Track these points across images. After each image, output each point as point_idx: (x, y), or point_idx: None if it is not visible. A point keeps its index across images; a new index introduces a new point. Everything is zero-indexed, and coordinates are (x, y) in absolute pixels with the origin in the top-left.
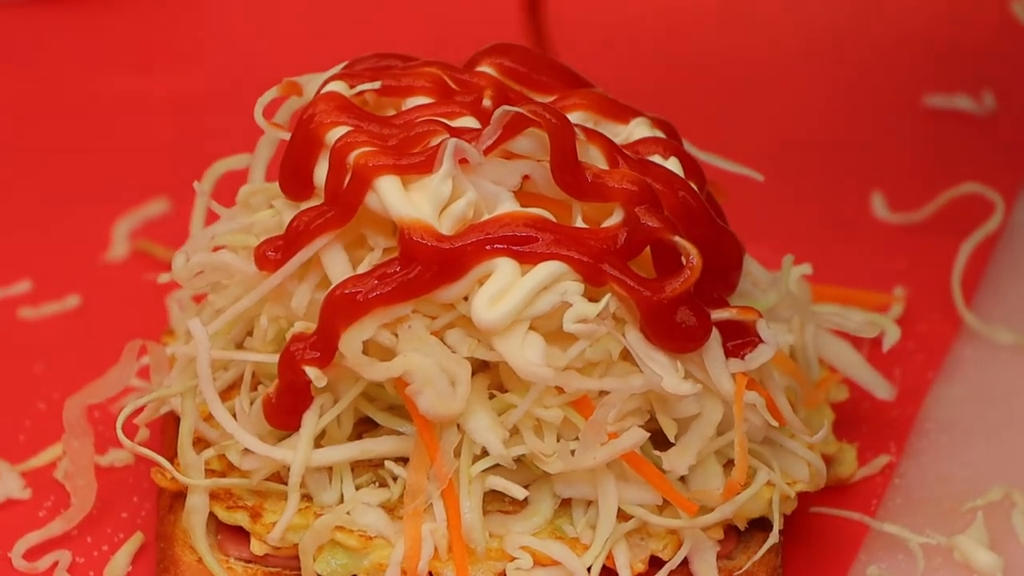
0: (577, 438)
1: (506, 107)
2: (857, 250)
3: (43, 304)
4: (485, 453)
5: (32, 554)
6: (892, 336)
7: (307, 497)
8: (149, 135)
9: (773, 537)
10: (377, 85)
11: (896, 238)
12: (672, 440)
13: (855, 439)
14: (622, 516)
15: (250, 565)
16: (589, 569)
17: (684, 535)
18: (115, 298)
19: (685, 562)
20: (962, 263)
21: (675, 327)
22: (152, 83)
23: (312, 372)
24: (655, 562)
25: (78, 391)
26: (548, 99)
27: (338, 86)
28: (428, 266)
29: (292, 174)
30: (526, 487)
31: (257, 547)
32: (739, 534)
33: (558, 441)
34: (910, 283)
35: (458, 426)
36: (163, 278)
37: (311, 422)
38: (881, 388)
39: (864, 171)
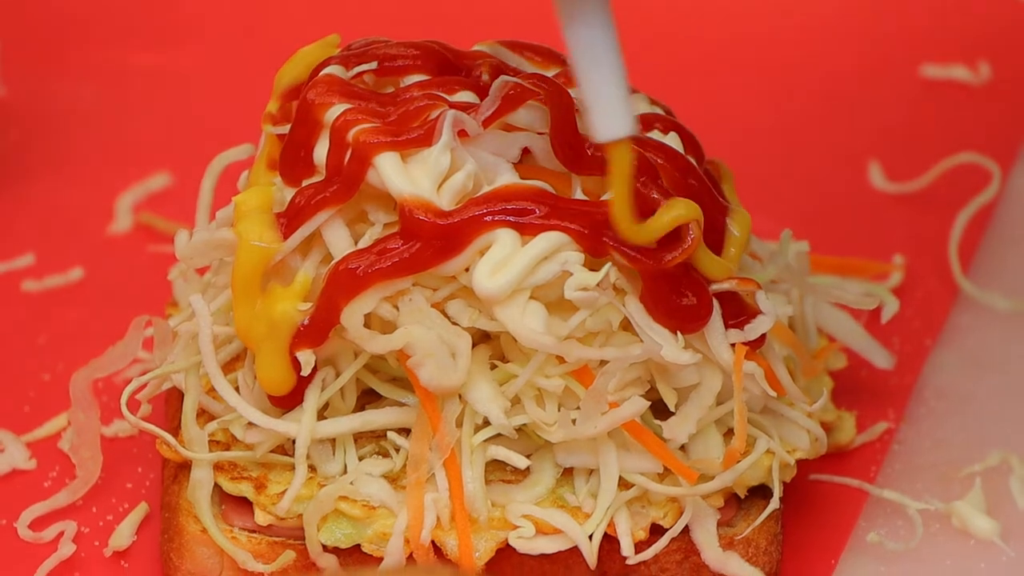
0: (578, 407)
1: (505, 77)
2: (855, 219)
3: (46, 276)
4: (487, 423)
5: (38, 524)
6: (891, 308)
7: (311, 468)
8: (151, 110)
9: (773, 504)
10: (374, 65)
11: (894, 207)
12: (672, 409)
13: (854, 407)
14: (623, 484)
15: (254, 535)
16: (591, 537)
17: (685, 503)
18: (118, 270)
19: (686, 530)
20: (959, 231)
21: (677, 302)
22: (155, 58)
23: (303, 356)
24: (656, 530)
25: (84, 365)
26: (547, 73)
27: (335, 69)
28: (429, 242)
29: (292, 154)
30: (528, 456)
31: (261, 517)
32: (739, 502)
33: (559, 410)
34: (908, 251)
35: (460, 396)
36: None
37: (314, 396)
38: (880, 357)
39: (862, 141)
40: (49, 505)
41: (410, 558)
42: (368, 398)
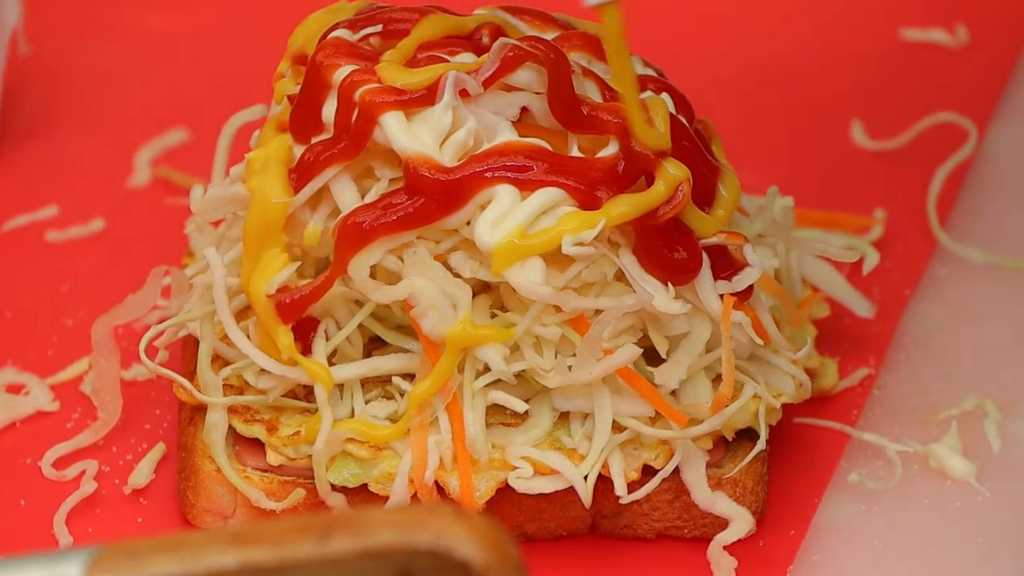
0: (574, 354)
1: (504, 39)
2: (838, 175)
3: (69, 227)
4: (488, 369)
5: (61, 463)
6: (871, 260)
7: (318, 411)
8: (169, 69)
9: (760, 446)
10: (379, 28)
11: (874, 164)
12: (664, 357)
13: (836, 354)
14: (616, 428)
15: (266, 474)
16: (586, 478)
17: (675, 445)
18: (137, 222)
19: (677, 471)
20: (937, 187)
21: (668, 255)
22: (173, 18)
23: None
24: (648, 471)
25: (106, 312)
26: (545, 36)
27: (342, 32)
28: (432, 197)
29: (302, 114)
30: (526, 401)
31: (273, 457)
32: (727, 444)
33: (556, 357)
34: (888, 206)
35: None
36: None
37: (320, 345)
38: (861, 306)
39: (844, 101)
40: (72, 445)
41: (414, 497)
42: (374, 345)
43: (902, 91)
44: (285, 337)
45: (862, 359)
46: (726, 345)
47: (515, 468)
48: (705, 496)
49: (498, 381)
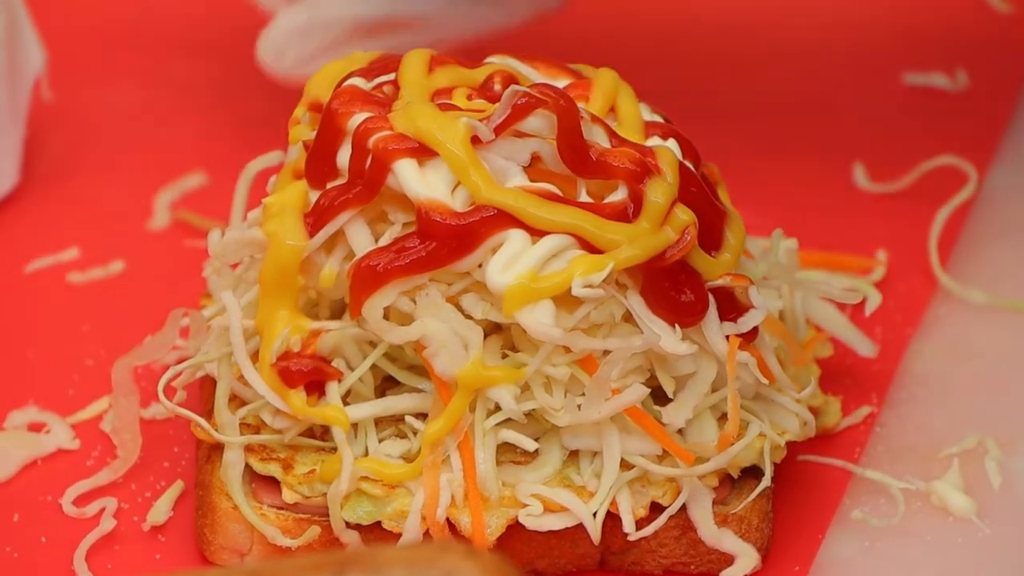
0: (583, 394)
1: (515, 87)
2: (840, 217)
3: (90, 269)
4: (499, 408)
5: (81, 500)
6: (874, 301)
7: (333, 449)
8: (187, 114)
9: (764, 483)
10: (392, 76)
11: (877, 205)
12: (671, 396)
13: (839, 392)
14: (625, 466)
15: (282, 512)
16: (595, 515)
17: (682, 483)
18: (157, 264)
19: (683, 508)
20: (938, 229)
21: (675, 297)
22: (192, 65)
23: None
24: (655, 508)
25: (126, 354)
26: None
27: (357, 80)
28: (444, 241)
29: (317, 160)
30: (536, 440)
31: (288, 495)
32: (733, 481)
33: (565, 396)
34: (890, 247)
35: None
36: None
37: (334, 389)
38: (864, 346)
39: (846, 143)
40: (92, 483)
41: (426, 534)
42: (386, 384)
43: (904, 134)
44: (296, 399)
45: (864, 397)
46: (732, 385)
47: (525, 505)
48: (711, 533)
49: (509, 420)
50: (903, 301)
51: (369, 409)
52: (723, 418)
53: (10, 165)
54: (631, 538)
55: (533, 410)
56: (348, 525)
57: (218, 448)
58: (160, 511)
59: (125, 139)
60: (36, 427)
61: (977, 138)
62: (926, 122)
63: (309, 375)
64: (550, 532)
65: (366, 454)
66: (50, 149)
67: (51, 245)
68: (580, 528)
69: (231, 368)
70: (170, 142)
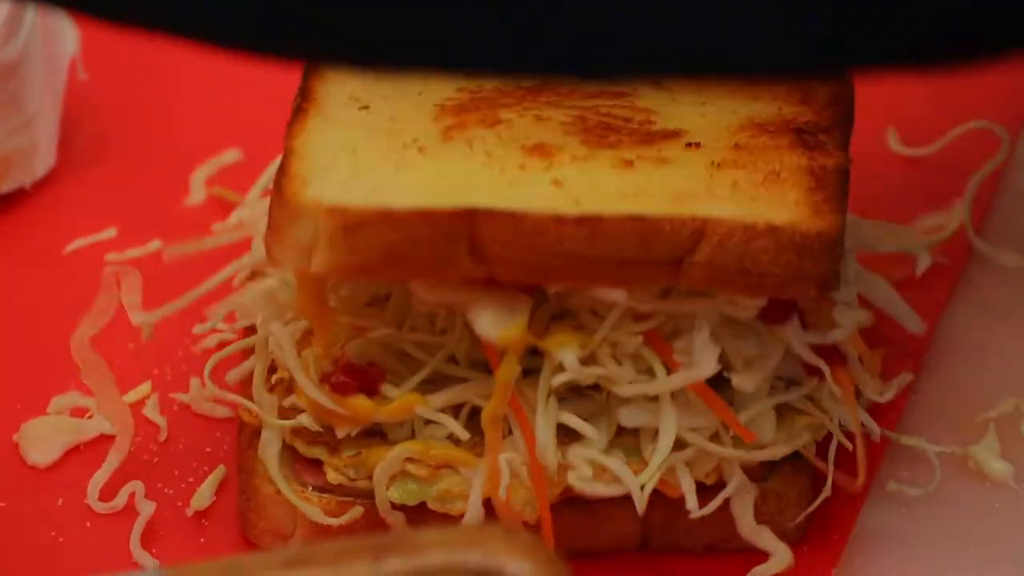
0: (648, 367)
1: None
2: (874, 182)
3: (128, 249)
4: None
5: (107, 489)
6: (924, 262)
7: (380, 433)
8: (222, 91)
9: (804, 458)
10: None
11: (911, 170)
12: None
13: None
14: (678, 446)
15: (324, 495)
16: (642, 488)
17: (732, 469)
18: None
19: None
20: (971, 192)
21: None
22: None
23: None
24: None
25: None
26: None
27: None
28: None
29: None
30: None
31: (333, 476)
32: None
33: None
34: (924, 212)
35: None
36: None
37: (391, 390)
38: (912, 322)
39: (881, 108)
40: (106, 470)
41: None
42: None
43: (936, 99)
44: (359, 404)
45: (900, 364)
46: (857, 427)
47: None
48: (751, 529)
49: (564, 401)
50: (936, 265)
51: (444, 397)
52: (782, 418)
53: (47, 147)
54: (693, 515)
55: (585, 388)
56: (393, 506)
57: (259, 433)
58: (203, 496)
59: (160, 118)
60: (79, 412)
61: (1009, 104)
62: (959, 89)
63: (359, 386)
64: (590, 512)
65: (411, 436)
66: (86, 129)
67: (90, 225)
68: (622, 507)
69: (266, 350)
70: (205, 119)
